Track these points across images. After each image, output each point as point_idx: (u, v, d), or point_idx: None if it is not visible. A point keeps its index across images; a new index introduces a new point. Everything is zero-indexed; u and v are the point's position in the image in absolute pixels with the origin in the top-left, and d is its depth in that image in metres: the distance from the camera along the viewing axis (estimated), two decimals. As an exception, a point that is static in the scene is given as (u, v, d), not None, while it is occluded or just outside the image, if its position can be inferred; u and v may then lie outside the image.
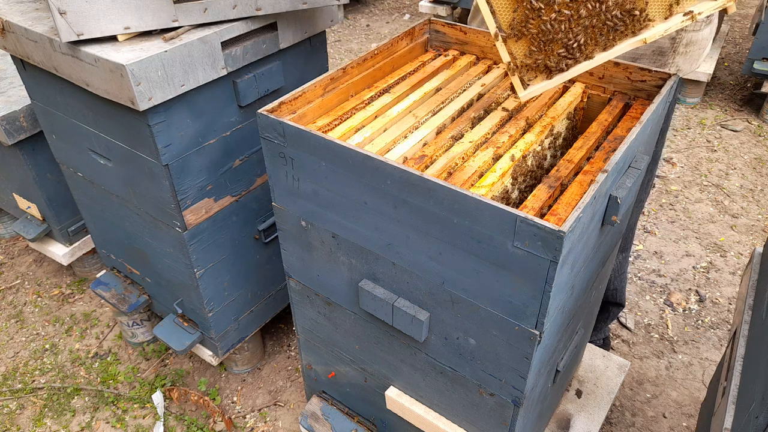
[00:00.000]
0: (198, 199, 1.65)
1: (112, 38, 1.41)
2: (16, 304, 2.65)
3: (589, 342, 2.02)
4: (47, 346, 2.44)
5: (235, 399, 2.21)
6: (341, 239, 1.23)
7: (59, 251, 2.47)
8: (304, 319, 1.54)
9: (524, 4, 1.08)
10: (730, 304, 2.55)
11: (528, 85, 1.16)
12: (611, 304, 2.06)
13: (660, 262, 2.77)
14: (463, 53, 1.54)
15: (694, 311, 2.51)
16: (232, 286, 1.92)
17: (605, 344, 2.22)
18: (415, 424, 1.44)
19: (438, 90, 1.39)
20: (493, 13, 1.10)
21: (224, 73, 1.52)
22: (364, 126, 1.25)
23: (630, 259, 2.74)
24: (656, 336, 2.41)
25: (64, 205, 2.37)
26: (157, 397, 2.17)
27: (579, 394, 1.77)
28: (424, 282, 1.13)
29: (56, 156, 1.95)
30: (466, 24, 1.58)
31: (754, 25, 3.68)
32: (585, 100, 1.39)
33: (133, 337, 2.38)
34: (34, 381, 2.30)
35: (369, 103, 1.33)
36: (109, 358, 2.37)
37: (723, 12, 1.06)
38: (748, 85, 4.13)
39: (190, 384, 2.26)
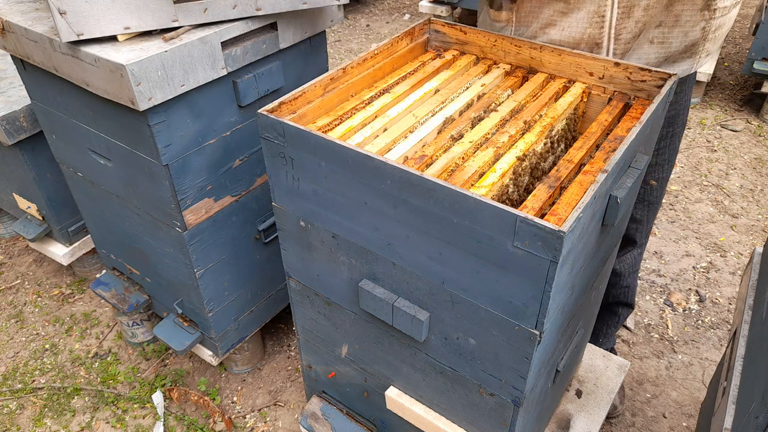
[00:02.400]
0: (198, 199, 1.65)
1: (112, 38, 1.41)
2: (16, 304, 2.65)
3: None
4: (47, 346, 2.44)
5: (235, 399, 2.21)
6: (341, 239, 1.23)
7: (59, 251, 2.47)
8: (304, 319, 1.54)
9: None
10: (730, 304, 2.55)
11: None
12: (621, 304, 2.02)
13: (660, 262, 2.77)
14: (463, 53, 1.54)
15: (694, 311, 2.51)
16: (232, 286, 1.92)
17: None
18: (415, 424, 1.44)
19: (438, 90, 1.39)
20: None
21: (224, 73, 1.52)
22: (364, 126, 1.25)
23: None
24: (656, 336, 2.40)
25: (64, 205, 2.37)
26: (157, 397, 2.17)
27: (579, 394, 1.77)
28: (424, 282, 1.13)
29: (56, 156, 1.95)
30: (467, 24, 1.58)
31: (754, 25, 3.68)
32: (585, 100, 1.39)
33: (133, 337, 2.38)
34: (34, 381, 2.30)
35: (369, 103, 1.33)
36: (109, 358, 2.37)
37: None
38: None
39: (190, 384, 2.26)
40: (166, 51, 1.36)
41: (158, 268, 1.92)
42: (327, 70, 1.74)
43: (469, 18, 5.04)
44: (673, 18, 1.37)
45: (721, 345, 2.36)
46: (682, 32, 1.39)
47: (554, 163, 1.33)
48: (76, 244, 2.50)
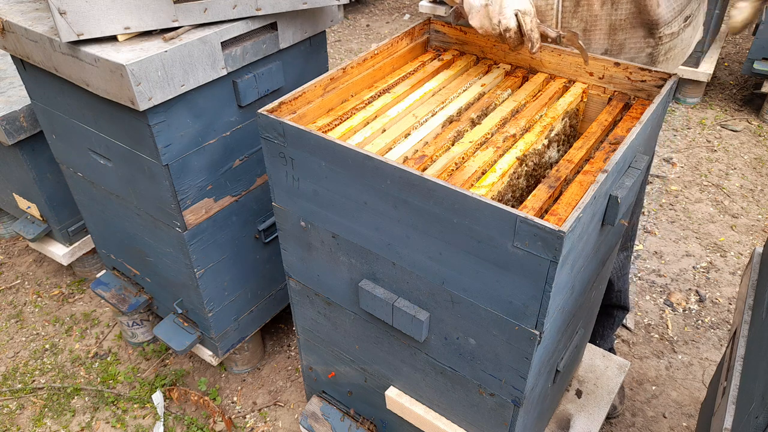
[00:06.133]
0: (198, 199, 1.65)
1: (112, 38, 1.41)
2: (16, 304, 2.65)
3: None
4: (47, 346, 2.44)
5: (235, 399, 2.21)
6: (341, 239, 1.23)
7: (59, 251, 2.47)
8: (304, 319, 1.54)
9: None
10: (730, 304, 2.55)
11: None
12: (617, 308, 2.02)
13: (660, 262, 2.77)
14: (462, 53, 1.54)
15: (694, 311, 2.51)
16: (232, 286, 1.92)
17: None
18: (415, 424, 1.44)
19: (438, 90, 1.39)
20: None
21: (224, 73, 1.52)
22: (364, 126, 1.25)
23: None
24: (656, 336, 2.41)
25: (64, 205, 2.37)
26: (157, 397, 2.17)
27: (579, 394, 1.77)
28: (424, 282, 1.13)
29: (56, 156, 1.95)
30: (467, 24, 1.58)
31: (754, 25, 3.68)
32: (585, 100, 1.39)
33: (133, 337, 2.38)
34: (34, 381, 2.30)
35: (369, 103, 1.33)
36: (109, 358, 2.37)
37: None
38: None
39: (190, 384, 2.26)
40: (166, 51, 1.36)
41: (158, 268, 1.92)
42: (327, 70, 1.74)
43: (469, 18, 5.03)
44: (618, 46, 1.39)
45: (721, 345, 2.36)
46: (628, 58, 1.41)
47: (554, 163, 1.33)
48: (76, 244, 2.50)
